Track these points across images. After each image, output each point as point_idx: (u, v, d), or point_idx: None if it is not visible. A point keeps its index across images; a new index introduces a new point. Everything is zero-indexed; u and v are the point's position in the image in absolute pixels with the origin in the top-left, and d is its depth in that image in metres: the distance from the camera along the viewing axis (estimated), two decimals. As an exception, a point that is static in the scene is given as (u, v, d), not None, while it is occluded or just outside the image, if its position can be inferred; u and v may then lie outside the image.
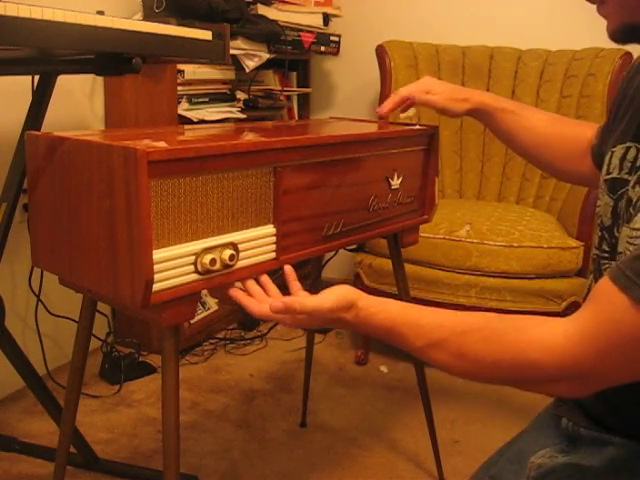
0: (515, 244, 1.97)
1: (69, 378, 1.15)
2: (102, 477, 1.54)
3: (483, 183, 2.52)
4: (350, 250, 1.42)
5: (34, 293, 1.79)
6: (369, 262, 2.14)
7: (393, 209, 1.26)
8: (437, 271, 2.03)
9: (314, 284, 1.72)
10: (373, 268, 2.13)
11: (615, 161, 0.78)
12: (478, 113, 1.18)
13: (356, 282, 2.21)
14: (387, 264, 1.98)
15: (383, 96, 2.42)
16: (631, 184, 0.73)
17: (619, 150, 0.78)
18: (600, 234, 0.81)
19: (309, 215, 1.06)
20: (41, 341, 1.88)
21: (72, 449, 1.32)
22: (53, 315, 1.89)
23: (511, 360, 0.69)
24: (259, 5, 2.30)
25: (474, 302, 1.99)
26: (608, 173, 0.79)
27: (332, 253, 1.38)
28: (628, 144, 0.76)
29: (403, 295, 1.46)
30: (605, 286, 0.64)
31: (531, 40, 2.44)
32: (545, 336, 0.67)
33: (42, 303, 1.84)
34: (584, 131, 1.04)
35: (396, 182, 1.24)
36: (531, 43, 2.45)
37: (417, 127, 1.31)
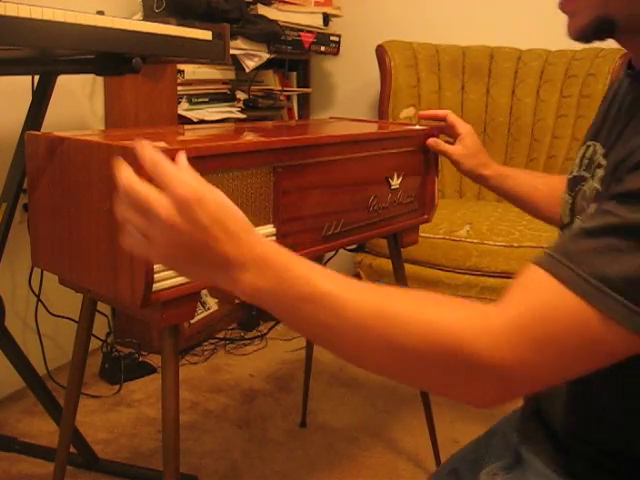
0: (515, 244, 1.97)
1: (69, 378, 1.15)
2: (102, 477, 1.54)
3: (483, 183, 2.52)
4: (350, 250, 1.43)
5: (34, 293, 1.79)
6: (369, 262, 2.14)
7: (393, 209, 1.26)
8: (437, 271, 2.03)
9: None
10: (373, 268, 2.13)
11: (577, 161, 0.79)
12: (492, 180, 1.21)
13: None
14: (387, 264, 1.98)
15: (383, 96, 2.42)
16: (588, 180, 0.73)
17: (581, 150, 0.78)
18: (560, 233, 0.81)
19: (309, 215, 1.06)
20: (41, 341, 1.88)
21: (72, 449, 1.32)
22: (53, 315, 1.89)
23: (438, 334, 0.56)
24: (259, 5, 2.30)
25: (474, 302, 1.99)
26: (570, 173, 0.80)
27: (332, 253, 1.38)
28: (588, 143, 0.76)
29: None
30: (533, 272, 0.57)
31: (531, 40, 2.44)
32: (478, 315, 0.57)
33: (42, 303, 1.84)
34: None
35: (396, 182, 1.24)
36: (531, 43, 2.45)
37: (417, 127, 1.32)
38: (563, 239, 0.58)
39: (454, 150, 1.24)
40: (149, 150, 0.60)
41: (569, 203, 0.78)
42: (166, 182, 0.58)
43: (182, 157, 0.62)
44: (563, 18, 0.68)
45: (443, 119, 1.27)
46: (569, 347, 0.54)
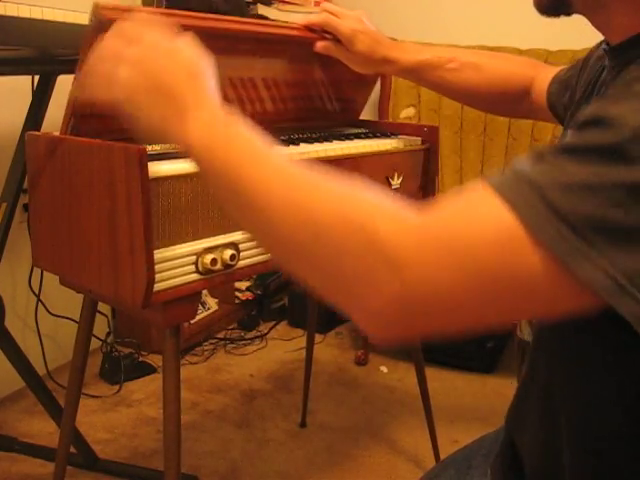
0: (515, 244, 1.97)
1: (69, 378, 1.15)
2: (102, 477, 1.54)
3: (483, 183, 2.52)
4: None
5: (34, 293, 1.79)
6: (369, 262, 2.14)
7: (393, 209, 1.25)
8: (437, 271, 2.03)
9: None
10: (373, 268, 2.13)
11: None
12: (400, 75, 1.16)
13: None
14: (387, 264, 1.98)
15: (383, 96, 2.42)
16: None
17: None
18: None
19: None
20: (41, 341, 1.88)
21: (72, 449, 1.32)
22: (53, 315, 1.89)
23: (353, 202, 0.51)
24: (259, 5, 2.30)
25: (474, 302, 1.99)
26: None
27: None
28: (566, 132, 0.75)
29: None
30: (475, 184, 0.50)
31: (531, 40, 2.44)
32: (402, 205, 0.51)
33: (42, 303, 1.84)
34: (518, 73, 1.07)
35: (396, 182, 1.24)
36: (531, 43, 2.45)
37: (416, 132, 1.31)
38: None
39: (346, 57, 1.12)
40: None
41: None
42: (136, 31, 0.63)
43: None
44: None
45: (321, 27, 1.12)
46: (486, 265, 0.45)
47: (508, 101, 1.09)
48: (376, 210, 0.50)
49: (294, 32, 1.14)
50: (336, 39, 1.12)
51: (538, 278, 0.45)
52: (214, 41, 1.01)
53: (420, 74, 1.11)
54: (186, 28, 0.93)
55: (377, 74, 1.17)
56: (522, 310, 0.48)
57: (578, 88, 0.83)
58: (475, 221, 0.47)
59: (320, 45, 1.13)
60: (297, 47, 1.17)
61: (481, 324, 0.49)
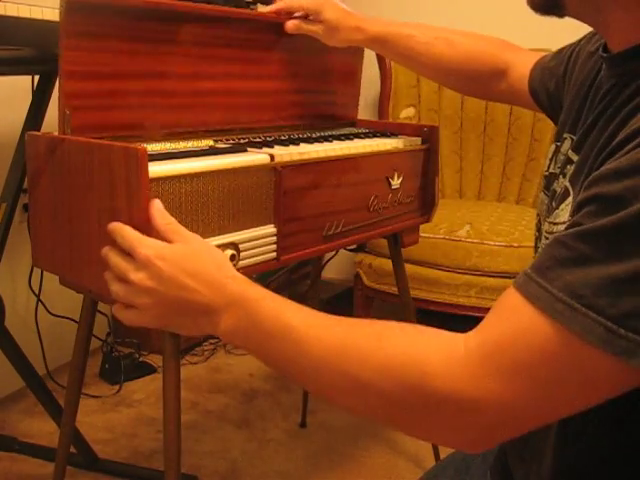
0: (515, 244, 1.97)
1: (69, 378, 1.15)
2: (102, 477, 1.54)
3: (483, 183, 2.52)
4: (350, 250, 1.42)
5: (34, 293, 1.79)
6: (369, 262, 2.14)
7: (393, 209, 1.26)
8: (437, 271, 2.03)
9: (314, 284, 1.72)
10: (373, 268, 2.13)
11: (549, 155, 0.76)
12: (371, 45, 1.15)
13: (356, 282, 2.21)
14: (387, 264, 1.98)
15: (383, 96, 2.42)
16: (559, 178, 0.69)
17: (554, 146, 0.75)
18: (537, 234, 0.76)
19: (310, 215, 1.06)
20: (41, 341, 1.88)
21: (72, 449, 1.32)
22: (53, 315, 1.89)
23: (399, 367, 0.53)
24: (259, 5, 2.29)
25: (474, 302, 1.99)
26: (547, 169, 0.76)
27: (332, 253, 1.38)
28: (564, 135, 0.73)
29: (403, 295, 1.46)
30: (509, 295, 0.51)
31: (531, 40, 2.45)
32: (443, 345, 0.53)
33: (42, 303, 1.84)
34: (493, 53, 1.06)
35: (396, 182, 1.24)
36: (531, 43, 2.45)
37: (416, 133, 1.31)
38: (543, 256, 0.51)
39: (316, 29, 1.13)
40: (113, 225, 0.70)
41: (545, 203, 0.73)
42: (129, 247, 0.66)
43: (157, 203, 0.72)
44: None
45: (291, 10, 1.14)
46: (545, 376, 0.48)
47: (480, 81, 1.07)
48: (422, 362, 0.52)
49: (264, 14, 1.16)
50: (305, 17, 1.13)
51: (599, 374, 0.47)
52: (201, 29, 1.02)
53: (390, 44, 1.11)
54: (167, 11, 0.93)
55: (348, 46, 1.16)
56: (585, 401, 0.50)
57: (570, 84, 0.80)
58: (524, 341, 0.49)
59: (290, 24, 1.14)
60: (273, 36, 1.17)
61: (548, 420, 0.53)
